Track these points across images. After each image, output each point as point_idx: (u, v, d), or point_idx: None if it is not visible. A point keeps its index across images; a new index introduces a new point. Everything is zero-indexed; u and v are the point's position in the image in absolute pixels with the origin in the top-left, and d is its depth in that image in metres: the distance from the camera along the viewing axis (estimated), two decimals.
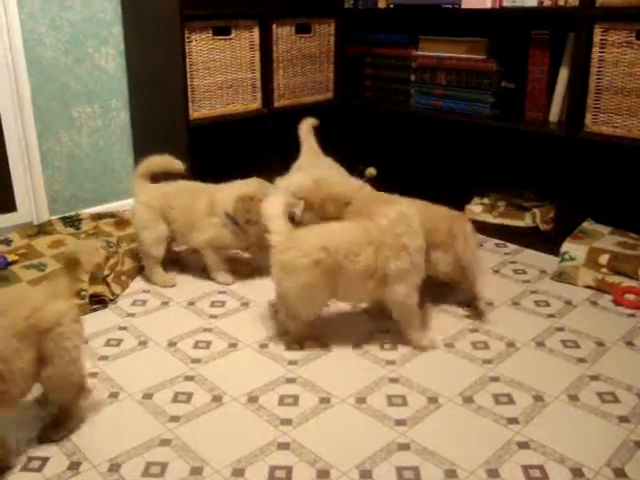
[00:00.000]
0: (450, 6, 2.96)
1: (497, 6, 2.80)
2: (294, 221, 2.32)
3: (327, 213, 2.31)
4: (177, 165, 2.55)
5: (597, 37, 2.48)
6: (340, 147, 3.23)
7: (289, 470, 1.56)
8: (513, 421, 1.72)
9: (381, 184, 2.72)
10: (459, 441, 1.66)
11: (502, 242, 2.94)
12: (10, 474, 1.55)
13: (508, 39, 2.95)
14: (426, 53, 3.16)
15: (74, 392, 1.67)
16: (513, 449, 1.62)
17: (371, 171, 3.53)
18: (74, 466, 1.58)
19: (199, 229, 2.49)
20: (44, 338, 1.54)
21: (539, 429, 1.69)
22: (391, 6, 3.25)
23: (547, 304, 2.37)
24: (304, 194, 2.35)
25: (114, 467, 1.57)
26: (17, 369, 1.48)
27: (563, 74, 2.72)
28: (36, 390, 1.68)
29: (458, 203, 2.96)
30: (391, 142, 3.65)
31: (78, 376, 1.66)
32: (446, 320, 2.26)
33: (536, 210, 2.96)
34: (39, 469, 1.57)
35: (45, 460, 1.60)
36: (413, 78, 3.24)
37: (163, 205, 2.52)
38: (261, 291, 2.49)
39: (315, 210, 2.33)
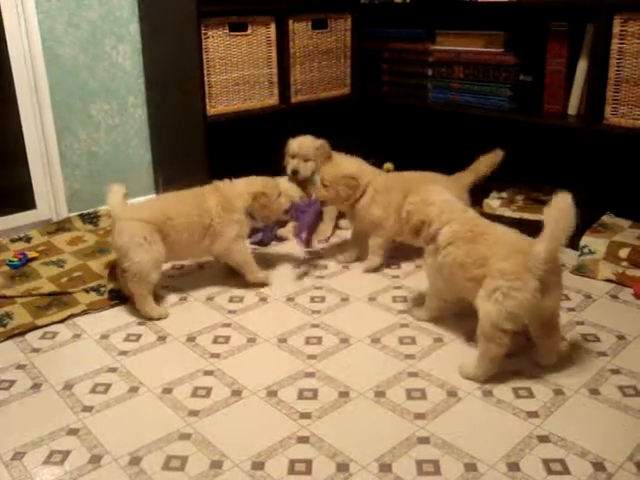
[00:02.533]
0: None
1: None
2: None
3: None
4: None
5: (616, 28, 2.45)
6: (357, 142, 3.23)
7: (309, 463, 1.56)
8: (533, 415, 1.71)
9: None
10: (479, 435, 1.65)
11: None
12: (33, 467, 1.57)
13: (525, 31, 2.92)
14: (443, 47, 3.14)
15: None
16: (533, 443, 1.61)
17: (388, 166, 3.52)
18: (95, 459, 1.59)
19: (220, 231, 2.39)
20: None
21: (560, 423, 1.68)
22: (407, 0, 3.24)
23: (567, 298, 2.35)
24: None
25: (135, 460, 1.58)
26: None
27: (582, 66, 2.69)
28: None
29: (476, 197, 2.94)
30: (408, 137, 3.63)
31: None
32: (464, 314, 2.24)
33: None
34: (61, 462, 1.58)
35: (67, 453, 1.61)
36: (430, 72, 3.23)
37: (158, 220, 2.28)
38: (278, 286, 2.50)
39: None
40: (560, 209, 1.70)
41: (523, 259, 1.76)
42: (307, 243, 2.55)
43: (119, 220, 2.24)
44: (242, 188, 2.45)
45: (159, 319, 2.27)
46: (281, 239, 2.90)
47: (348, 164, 2.57)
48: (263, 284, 2.50)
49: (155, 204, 2.37)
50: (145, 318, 2.26)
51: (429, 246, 2.07)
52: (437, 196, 2.09)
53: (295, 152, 2.95)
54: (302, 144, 2.95)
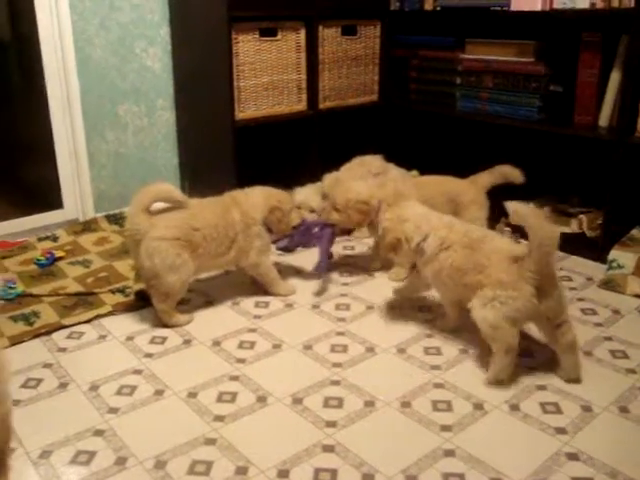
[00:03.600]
0: (499, 8, 2.92)
1: (547, 8, 2.75)
2: None
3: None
4: (178, 196, 2.25)
5: None
6: (384, 149, 3.21)
7: (334, 473, 1.55)
8: (561, 431, 1.69)
9: None
10: (506, 449, 1.63)
11: None
12: (60, 466, 1.57)
13: (557, 41, 2.90)
14: (473, 56, 3.13)
15: None
16: (562, 460, 1.59)
17: (414, 174, 3.51)
18: (121, 461, 1.59)
19: (244, 245, 2.35)
20: None
21: (588, 440, 1.66)
22: (438, 8, 3.23)
23: (594, 312, 2.33)
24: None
25: (160, 464, 1.58)
26: None
27: (614, 77, 2.66)
28: None
29: (502, 208, 2.92)
30: (436, 145, 3.62)
31: None
32: None
33: (582, 216, 2.91)
34: (86, 463, 1.59)
35: (93, 454, 1.62)
36: (459, 81, 3.21)
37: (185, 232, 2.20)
38: (304, 292, 2.50)
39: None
40: (539, 217, 1.79)
41: (518, 268, 1.81)
42: (323, 268, 2.53)
43: (148, 239, 2.14)
44: (259, 200, 2.40)
45: (185, 325, 2.27)
46: (307, 245, 2.89)
47: (359, 188, 2.51)
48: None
49: (179, 215, 2.22)
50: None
51: (419, 260, 2.10)
52: (411, 211, 2.13)
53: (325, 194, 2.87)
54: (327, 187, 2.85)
